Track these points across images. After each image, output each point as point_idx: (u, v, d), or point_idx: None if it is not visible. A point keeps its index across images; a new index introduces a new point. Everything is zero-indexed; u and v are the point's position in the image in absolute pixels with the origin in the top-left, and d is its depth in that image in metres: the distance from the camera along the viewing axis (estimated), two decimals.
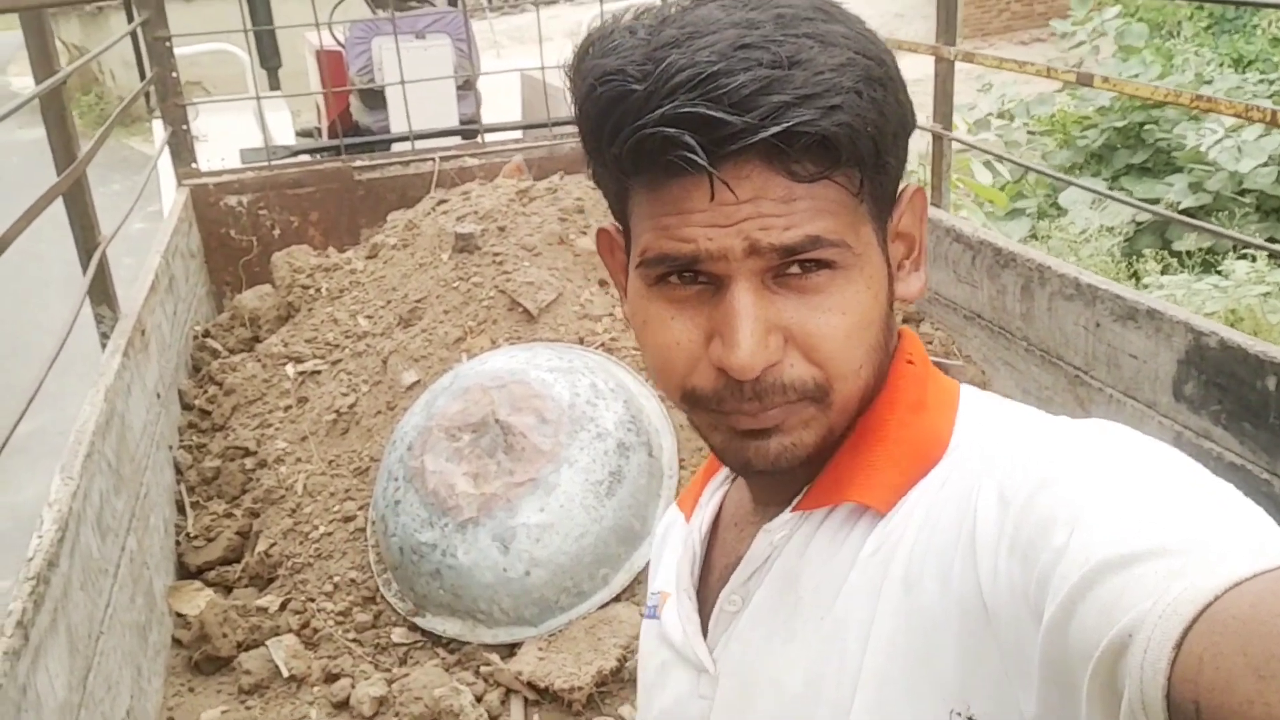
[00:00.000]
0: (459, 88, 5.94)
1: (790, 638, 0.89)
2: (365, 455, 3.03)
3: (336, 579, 2.84)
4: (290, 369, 3.34)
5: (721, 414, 0.85)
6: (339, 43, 5.95)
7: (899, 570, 0.81)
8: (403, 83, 4.46)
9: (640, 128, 0.75)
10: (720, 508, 1.04)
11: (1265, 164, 7.03)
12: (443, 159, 4.39)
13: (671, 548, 1.07)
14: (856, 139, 0.76)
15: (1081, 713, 0.61)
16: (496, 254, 3.19)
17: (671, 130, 0.74)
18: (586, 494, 2.61)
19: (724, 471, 1.05)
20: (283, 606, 2.81)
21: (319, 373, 3.30)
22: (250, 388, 3.37)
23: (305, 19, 4.91)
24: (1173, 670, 0.54)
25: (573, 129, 4.23)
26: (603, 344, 3.00)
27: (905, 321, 3.43)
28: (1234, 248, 6.43)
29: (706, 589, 0.99)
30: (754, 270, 0.79)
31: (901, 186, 0.87)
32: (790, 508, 0.91)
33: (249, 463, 3.17)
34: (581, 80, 0.81)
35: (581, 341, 3.00)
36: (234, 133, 5.43)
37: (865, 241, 0.81)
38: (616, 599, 2.64)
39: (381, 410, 3.09)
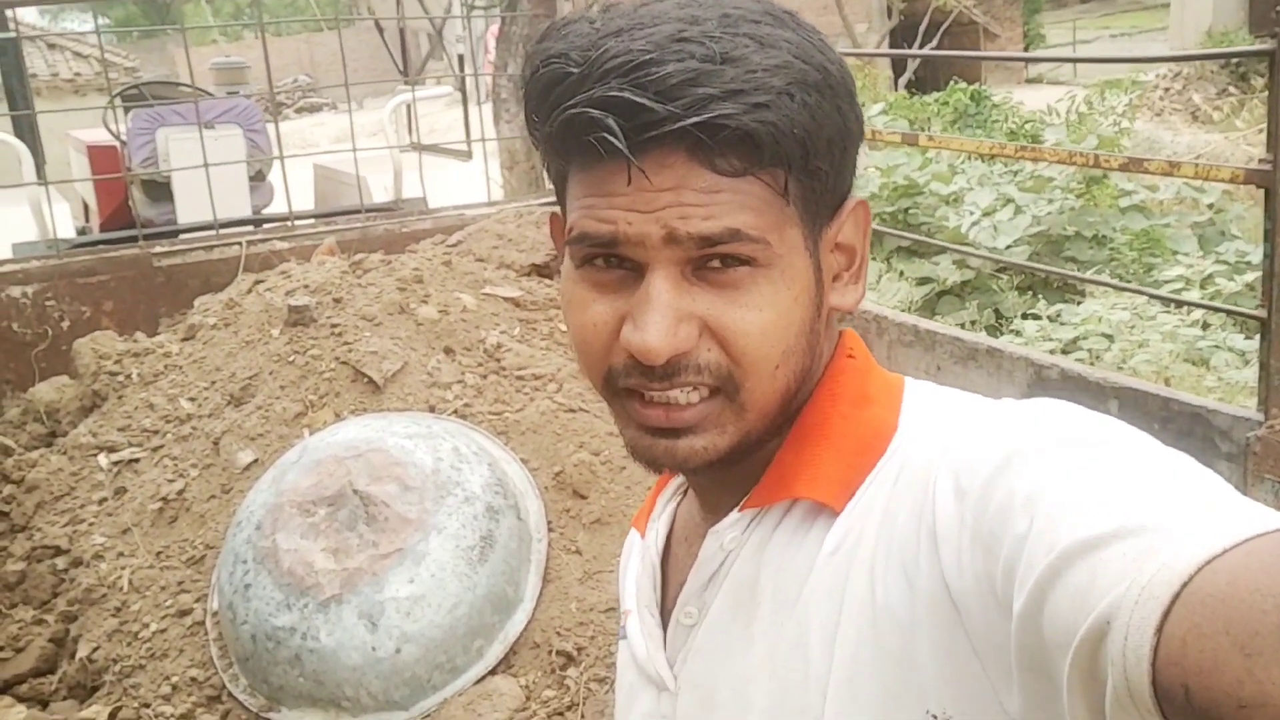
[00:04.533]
0: (250, 178, 5.74)
1: (750, 645, 0.86)
2: (199, 543, 2.79)
3: (174, 680, 2.58)
4: (103, 459, 3.06)
5: (634, 406, 0.84)
6: (116, 136, 5.65)
7: (863, 569, 0.79)
8: (206, 166, 4.26)
9: (569, 108, 0.76)
10: (673, 523, 1.01)
11: (1019, 241, 7.57)
12: (250, 243, 4.18)
13: (633, 566, 1.03)
14: (780, 138, 0.76)
15: (1064, 701, 0.60)
16: (335, 325, 3.04)
17: (596, 112, 0.75)
18: (458, 561, 2.47)
19: (674, 485, 1.02)
20: (112, 716, 2.52)
21: (137, 460, 3.03)
22: (56, 482, 3.06)
23: (62, 120, 4.63)
24: (1156, 655, 0.53)
25: (383, 214, 4.09)
26: (455, 411, 2.88)
27: None
28: (1002, 317, 6.86)
29: (668, 604, 0.96)
30: (672, 259, 0.79)
31: (849, 200, 0.87)
32: (738, 508, 0.88)
33: (61, 562, 2.87)
34: (530, 63, 0.82)
35: (433, 410, 2.88)
36: (5, 226, 5.05)
37: (789, 244, 0.81)
38: (493, 672, 2.49)
39: (215, 494, 2.86)
